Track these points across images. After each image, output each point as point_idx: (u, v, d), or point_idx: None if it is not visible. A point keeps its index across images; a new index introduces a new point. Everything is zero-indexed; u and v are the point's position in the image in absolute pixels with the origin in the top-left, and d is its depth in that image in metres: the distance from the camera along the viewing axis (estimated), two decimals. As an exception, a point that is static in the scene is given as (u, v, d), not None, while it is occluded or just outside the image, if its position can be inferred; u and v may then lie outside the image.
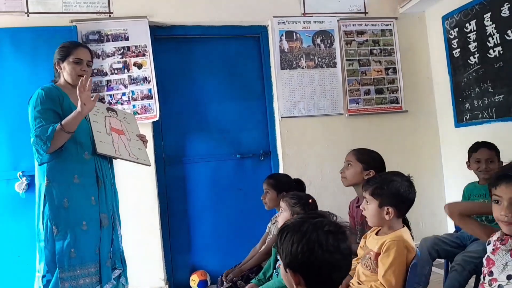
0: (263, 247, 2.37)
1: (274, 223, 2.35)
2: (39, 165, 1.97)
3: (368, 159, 2.05)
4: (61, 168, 1.97)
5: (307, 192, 2.97)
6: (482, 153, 2.37)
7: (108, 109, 2.29)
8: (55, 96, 2.01)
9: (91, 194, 2.02)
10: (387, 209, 1.55)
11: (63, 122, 1.91)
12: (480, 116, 3.17)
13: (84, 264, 1.95)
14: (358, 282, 1.59)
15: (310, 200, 1.99)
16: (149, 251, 3.03)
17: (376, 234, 1.63)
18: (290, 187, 2.30)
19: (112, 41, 3.01)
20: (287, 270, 1.05)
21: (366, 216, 1.65)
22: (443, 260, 2.40)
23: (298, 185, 2.43)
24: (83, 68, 2.10)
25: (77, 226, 1.95)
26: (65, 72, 2.09)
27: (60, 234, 1.92)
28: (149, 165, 2.28)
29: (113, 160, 2.23)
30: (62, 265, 1.90)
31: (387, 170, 1.97)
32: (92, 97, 1.95)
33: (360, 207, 1.65)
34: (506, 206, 1.27)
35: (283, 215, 1.97)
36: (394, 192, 1.56)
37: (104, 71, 2.99)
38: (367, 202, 1.61)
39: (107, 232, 2.06)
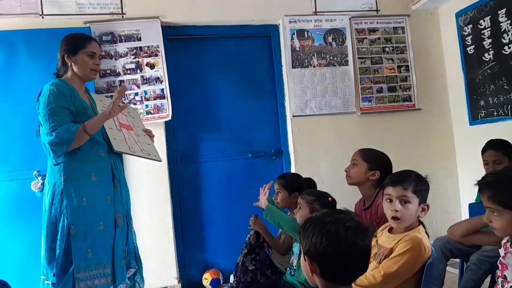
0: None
1: None
2: (54, 165, 1.91)
3: (374, 159, 2.03)
4: (78, 166, 1.91)
5: (319, 191, 2.95)
6: (489, 155, 2.36)
7: None
8: (67, 93, 1.92)
9: (108, 193, 1.98)
10: (423, 206, 1.56)
11: (86, 123, 1.86)
12: (495, 113, 3.12)
13: (100, 264, 1.91)
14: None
15: (330, 198, 1.99)
16: (162, 250, 3.05)
17: (389, 231, 1.62)
18: (302, 187, 2.29)
19: (125, 41, 3.04)
20: (305, 257, 1.11)
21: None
22: (458, 260, 2.37)
23: (309, 184, 2.42)
24: (96, 62, 2.04)
25: (95, 226, 1.90)
26: (77, 66, 2.00)
27: (78, 234, 1.86)
28: (160, 161, 2.24)
29: (123, 157, 2.19)
30: (79, 265, 1.85)
31: (401, 169, 1.95)
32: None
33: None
34: None
35: (301, 212, 1.97)
36: (426, 190, 1.58)
37: (117, 71, 3.02)
38: (409, 201, 1.54)
39: (122, 231, 2.02)
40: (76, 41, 2.02)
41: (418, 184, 1.56)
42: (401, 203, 1.54)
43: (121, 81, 3.02)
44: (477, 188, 2.50)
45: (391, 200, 1.57)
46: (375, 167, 2.00)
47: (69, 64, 2.01)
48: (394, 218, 1.55)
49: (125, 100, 3.01)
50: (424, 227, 1.61)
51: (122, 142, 2.02)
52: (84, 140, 1.88)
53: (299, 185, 2.30)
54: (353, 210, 2.18)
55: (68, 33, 2.11)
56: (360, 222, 1.11)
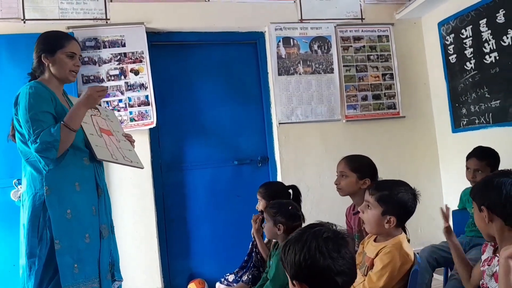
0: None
1: None
2: (46, 172, 1.75)
3: (362, 168, 2.02)
4: (61, 175, 1.78)
5: (305, 198, 2.96)
6: (471, 163, 2.40)
7: None
8: (48, 96, 1.79)
9: (92, 203, 1.87)
10: (389, 218, 1.54)
11: (65, 118, 1.74)
12: (477, 121, 3.17)
13: (88, 279, 1.79)
14: None
15: (290, 207, 1.97)
16: (146, 259, 3.00)
17: (374, 240, 1.62)
18: (283, 195, 2.28)
19: (109, 47, 3.00)
20: (294, 282, 1.07)
21: (363, 219, 1.61)
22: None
23: (293, 191, 2.41)
24: (76, 63, 1.90)
25: (80, 239, 1.78)
26: (54, 67, 1.86)
27: (63, 248, 1.72)
28: (143, 168, 2.11)
29: (104, 164, 2.05)
30: (66, 282, 1.71)
31: (385, 177, 1.96)
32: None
33: (359, 209, 1.63)
34: None
35: (267, 226, 1.97)
36: (401, 203, 1.55)
37: (101, 77, 2.98)
38: (369, 206, 1.58)
39: (107, 243, 1.92)
40: (54, 40, 1.88)
41: (388, 195, 1.55)
42: (365, 208, 1.59)
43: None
44: (459, 193, 2.55)
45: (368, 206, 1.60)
46: (364, 175, 2.00)
47: (46, 64, 1.86)
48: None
49: (108, 106, 2.97)
50: (406, 233, 1.61)
51: (104, 149, 1.90)
52: (71, 138, 1.75)
53: (280, 193, 2.29)
54: (344, 215, 2.19)
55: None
56: (337, 231, 1.10)
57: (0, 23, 2.82)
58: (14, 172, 2.74)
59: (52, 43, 1.87)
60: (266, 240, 2.38)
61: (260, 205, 2.32)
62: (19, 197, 2.69)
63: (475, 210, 1.42)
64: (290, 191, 2.40)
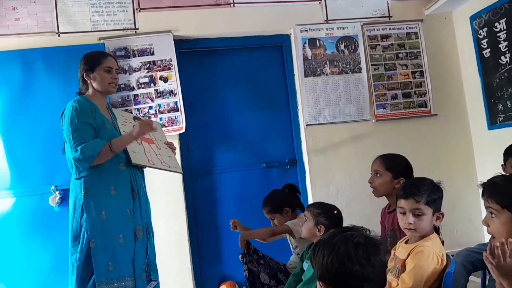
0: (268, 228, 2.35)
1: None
2: (76, 179, 1.97)
3: (397, 167, 1.98)
4: (98, 179, 1.96)
5: (335, 200, 2.93)
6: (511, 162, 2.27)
7: (134, 118, 2.32)
8: (88, 109, 2.02)
9: (127, 206, 2.01)
10: (438, 215, 1.53)
11: (113, 142, 1.95)
12: (514, 117, 3.04)
13: (122, 277, 1.93)
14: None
15: (335, 212, 1.96)
16: (178, 262, 3.05)
17: (406, 243, 1.58)
18: (289, 200, 2.35)
19: (138, 56, 3.09)
20: (320, 283, 1.08)
21: (418, 228, 1.51)
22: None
23: (290, 190, 2.45)
24: (113, 76, 2.13)
25: (114, 239, 1.94)
26: (96, 82, 2.10)
27: (98, 247, 1.90)
28: (181, 173, 2.33)
29: (144, 170, 2.23)
30: (100, 278, 1.88)
31: (418, 176, 1.91)
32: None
33: (409, 221, 1.55)
34: None
35: (306, 225, 1.95)
36: (440, 198, 1.55)
37: (131, 85, 3.07)
38: (422, 213, 1.51)
39: (142, 244, 2.05)
40: (92, 59, 2.13)
41: (431, 194, 1.52)
42: (414, 215, 1.51)
43: (135, 95, 3.06)
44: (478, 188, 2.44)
45: (404, 213, 1.54)
46: (399, 175, 1.96)
47: (89, 81, 2.11)
48: (408, 229, 1.53)
49: (139, 113, 3.05)
50: (439, 234, 1.57)
51: (141, 155, 2.07)
52: (108, 158, 1.95)
53: (286, 201, 2.36)
54: (378, 217, 2.14)
55: (84, 50, 2.22)
56: (369, 236, 1.08)
57: (36, 37, 2.96)
58: (52, 179, 2.86)
59: (91, 62, 2.12)
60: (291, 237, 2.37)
61: (276, 222, 2.36)
62: (57, 202, 2.82)
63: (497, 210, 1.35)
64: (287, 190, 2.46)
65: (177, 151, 3.09)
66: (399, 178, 1.95)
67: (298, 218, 2.31)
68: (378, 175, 2.00)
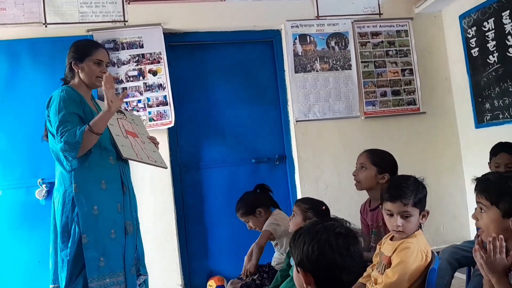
0: (254, 245, 2.35)
1: None
2: (68, 171, 1.90)
3: (383, 162, 2.00)
4: (88, 174, 1.91)
5: (323, 196, 2.94)
6: (502, 158, 2.30)
7: (117, 111, 2.18)
8: (77, 99, 1.94)
9: (117, 200, 1.98)
10: (424, 213, 1.55)
11: (91, 123, 1.84)
12: (501, 116, 3.08)
13: (113, 272, 1.90)
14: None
15: (323, 207, 1.97)
16: (166, 257, 3.04)
17: (391, 239, 1.60)
18: (257, 202, 2.39)
19: (127, 49, 3.05)
20: (298, 269, 1.09)
21: (404, 229, 1.51)
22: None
23: (261, 190, 2.50)
24: (103, 70, 2.03)
25: (106, 234, 1.90)
26: (83, 73, 2.01)
27: (90, 242, 1.85)
28: (166, 168, 2.25)
29: (130, 164, 2.17)
30: (92, 274, 1.84)
31: (406, 174, 1.92)
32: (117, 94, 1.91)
33: (398, 223, 1.55)
34: None
35: (294, 220, 1.96)
36: (425, 196, 1.56)
37: (120, 78, 3.03)
38: (410, 215, 1.52)
39: (132, 239, 2.02)
40: (83, 49, 2.03)
41: (417, 194, 1.53)
42: (402, 217, 1.52)
43: (124, 88, 3.03)
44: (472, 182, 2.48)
45: (391, 215, 1.55)
46: (384, 170, 1.97)
47: (76, 71, 2.02)
48: (396, 231, 1.54)
49: (128, 107, 3.02)
50: (421, 229, 1.59)
51: (130, 149, 2.02)
52: (94, 141, 1.85)
53: (257, 203, 2.41)
54: (359, 212, 2.16)
55: (72, 42, 2.11)
56: (350, 228, 1.10)
57: (22, 28, 2.91)
58: (38, 171, 2.82)
59: (82, 51, 2.02)
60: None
61: (251, 224, 2.42)
62: (44, 196, 2.78)
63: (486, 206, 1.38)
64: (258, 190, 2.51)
65: (166, 145, 3.08)
66: (383, 173, 1.96)
67: (271, 216, 2.36)
68: (363, 168, 2.01)
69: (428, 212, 1.56)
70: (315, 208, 1.95)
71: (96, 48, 2.05)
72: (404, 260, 1.44)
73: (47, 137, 2.01)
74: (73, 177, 1.89)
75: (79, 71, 2.01)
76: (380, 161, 2.00)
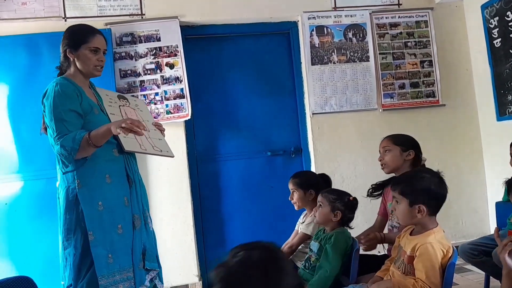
0: (286, 246, 2.31)
1: (303, 222, 2.31)
2: (63, 173, 1.80)
3: (405, 140, 2.02)
4: (92, 168, 1.79)
5: (340, 189, 2.90)
6: None
7: (119, 96, 2.09)
8: (74, 93, 1.79)
9: (124, 194, 1.87)
10: (419, 207, 1.50)
11: (92, 134, 1.72)
12: (524, 108, 3.00)
13: (123, 268, 1.82)
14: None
15: (351, 198, 1.98)
16: (183, 248, 3.08)
17: (410, 234, 1.58)
18: (317, 184, 2.26)
19: (145, 42, 3.07)
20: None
21: (398, 216, 1.62)
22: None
23: (324, 181, 2.38)
24: (100, 58, 1.87)
25: (113, 230, 1.80)
26: (79, 62, 1.85)
27: (97, 240, 1.76)
28: (173, 156, 2.06)
29: (136, 154, 2.04)
30: (102, 272, 1.75)
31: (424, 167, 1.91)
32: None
33: (391, 208, 1.60)
34: None
35: (322, 210, 1.95)
36: (425, 188, 1.51)
37: (138, 71, 3.06)
38: (397, 201, 1.56)
39: (139, 233, 1.92)
40: (78, 35, 1.86)
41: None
42: (394, 204, 1.58)
43: (142, 81, 3.06)
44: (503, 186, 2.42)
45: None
46: (408, 147, 2.00)
47: (72, 59, 1.86)
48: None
49: (145, 99, 3.04)
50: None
51: (132, 139, 1.86)
52: (89, 152, 1.75)
53: (314, 183, 2.27)
54: (383, 197, 2.17)
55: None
56: (250, 254, 0.96)
57: (42, 22, 2.96)
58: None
59: (77, 38, 1.85)
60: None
61: (295, 195, 2.29)
62: (64, 187, 2.81)
63: None
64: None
65: (183, 138, 3.11)
66: (408, 150, 1.98)
67: (309, 216, 2.26)
68: (387, 151, 2.03)
69: (422, 207, 1.50)
70: (342, 198, 1.95)
71: (92, 34, 1.86)
72: (427, 265, 1.44)
73: (46, 130, 1.89)
74: (76, 173, 1.78)
75: (75, 59, 1.85)
76: (401, 140, 2.03)
